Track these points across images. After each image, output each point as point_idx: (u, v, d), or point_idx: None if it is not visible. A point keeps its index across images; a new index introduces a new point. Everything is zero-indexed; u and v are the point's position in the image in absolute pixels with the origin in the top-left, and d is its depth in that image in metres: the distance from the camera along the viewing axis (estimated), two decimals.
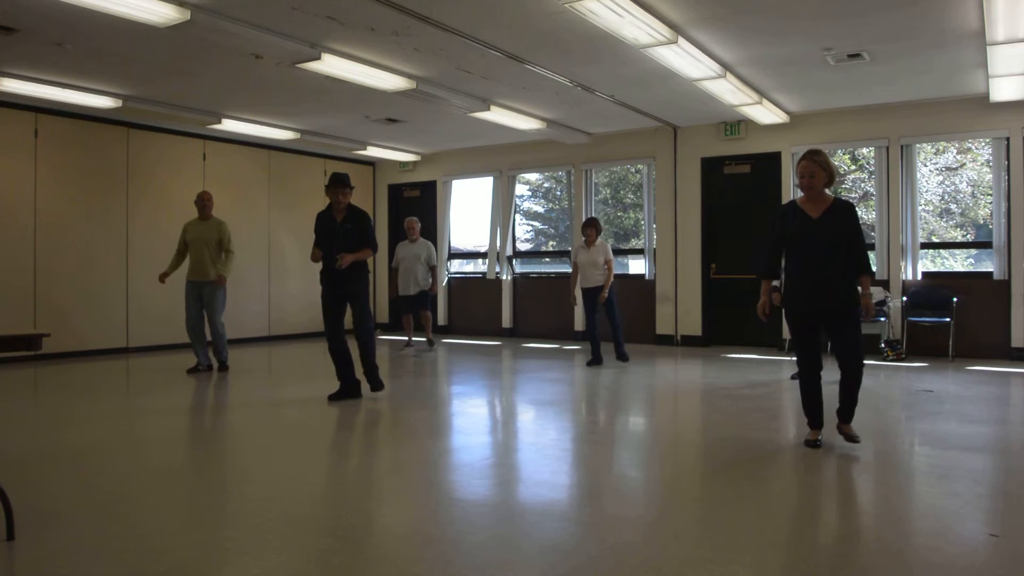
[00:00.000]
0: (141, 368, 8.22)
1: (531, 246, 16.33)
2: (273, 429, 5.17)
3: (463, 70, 7.16)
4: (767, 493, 3.62)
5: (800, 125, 9.14)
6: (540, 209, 17.32)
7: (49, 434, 5.00)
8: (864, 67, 7.12)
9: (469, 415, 5.73)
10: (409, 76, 7.25)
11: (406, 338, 10.00)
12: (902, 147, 8.72)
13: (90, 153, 9.12)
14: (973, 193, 13.51)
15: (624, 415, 5.77)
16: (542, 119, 9.29)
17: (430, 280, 9.54)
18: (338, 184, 5.89)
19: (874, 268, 8.68)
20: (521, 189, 13.86)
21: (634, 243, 14.37)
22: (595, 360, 8.04)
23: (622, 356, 8.04)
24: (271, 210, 11.14)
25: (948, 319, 8.28)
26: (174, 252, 7.75)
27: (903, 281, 8.70)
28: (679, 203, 10.03)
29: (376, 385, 6.06)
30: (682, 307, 9.99)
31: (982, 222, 12.94)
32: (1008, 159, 8.14)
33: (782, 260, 4.51)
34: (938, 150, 13.41)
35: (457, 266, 12.47)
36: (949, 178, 13.69)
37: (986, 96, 7.92)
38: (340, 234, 5.87)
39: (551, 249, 16.54)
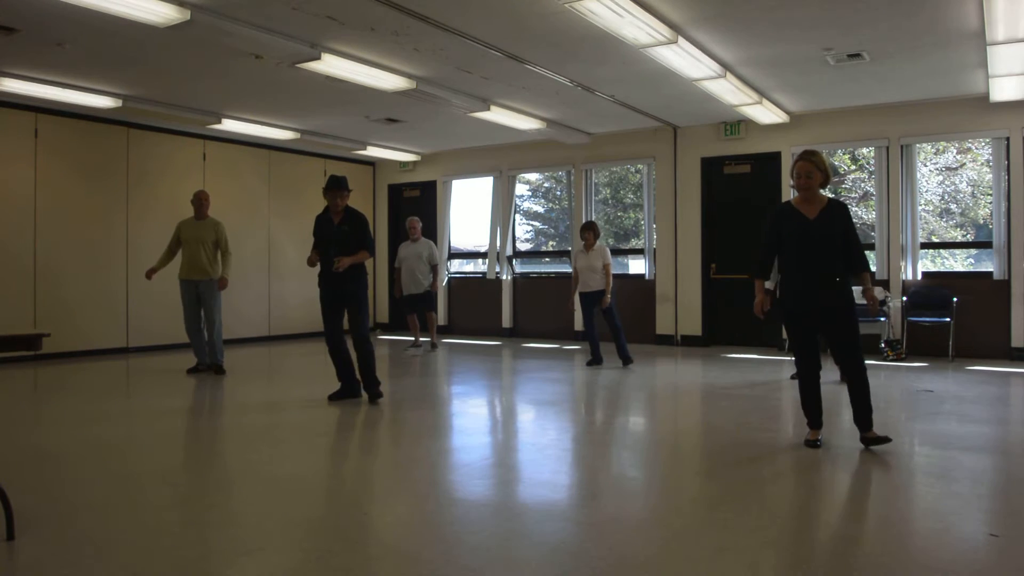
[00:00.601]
0: (141, 368, 8.22)
1: (531, 246, 16.34)
2: (273, 429, 5.16)
3: (463, 70, 7.16)
4: (767, 493, 3.63)
5: (800, 125, 9.14)
6: (540, 209, 17.33)
7: (49, 434, 4.99)
8: (864, 67, 7.12)
9: (469, 415, 5.73)
10: (409, 76, 7.25)
11: (412, 338, 9.99)
12: (902, 147, 8.72)
13: (90, 153, 9.12)
14: (973, 193, 13.52)
15: (624, 415, 5.77)
16: (542, 119, 9.29)
17: (431, 279, 9.52)
18: (335, 187, 5.88)
19: (873, 268, 8.69)
20: (521, 189, 13.87)
21: (634, 243, 14.38)
22: (595, 360, 8.04)
23: (626, 359, 8.02)
24: (271, 210, 11.14)
25: (948, 319, 8.28)
26: (164, 249, 7.72)
27: (903, 281, 8.70)
28: (679, 203, 10.03)
29: (374, 396, 5.95)
30: (682, 307, 9.99)
31: (982, 222, 12.94)
32: (1008, 159, 8.14)
33: (775, 261, 4.51)
34: (938, 150, 13.42)
35: (457, 266, 12.48)
36: (949, 178, 13.70)
37: (986, 96, 7.92)
38: (337, 236, 5.87)
39: (551, 249, 16.54)
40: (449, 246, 12.08)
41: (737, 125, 9.49)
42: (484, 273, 11.75)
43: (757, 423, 5.15)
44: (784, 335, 8.91)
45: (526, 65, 6.94)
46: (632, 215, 15.53)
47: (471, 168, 11.79)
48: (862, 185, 13.83)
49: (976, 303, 8.35)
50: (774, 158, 9.37)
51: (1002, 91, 7.52)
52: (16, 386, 7.11)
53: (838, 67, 7.10)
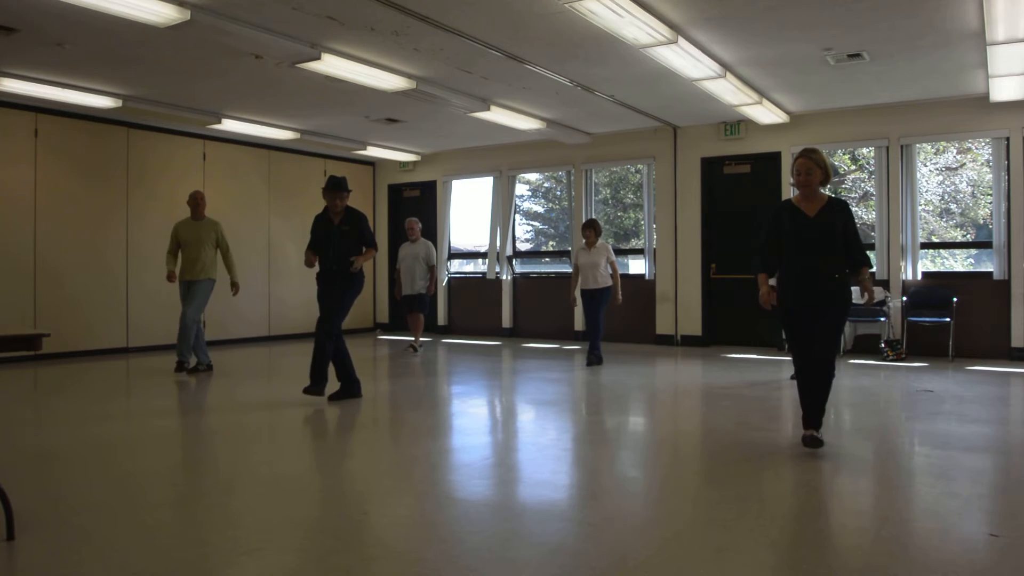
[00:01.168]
0: (141, 368, 8.22)
1: (531, 246, 16.34)
2: (274, 428, 5.17)
3: (463, 70, 7.16)
4: (767, 493, 3.63)
5: (800, 125, 9.14)
6: (540, 209, 17.33)
7: (49, 434, 5.00)
8: (864, 67, 7.12)
9: (469, 415, 5.73)
10: (409, 76, 7.25)
11: (412, 338, 9.90)
12: (902, 147, 8.72)
13: (90, 153, 9.11)
14: (973, 193, 13.52)
15: (624, 415, 5.77)
16: (542, 119, 9.29)
17: (428, 280, 9.36)
18: (335, 187, 5.87)
19: (873, 268, 8.68)
20: (521, 189, 13.87)
21: (634, 243, 14.38)
22: (595, 360, 8.04)
23: (596, 359, 7.96)
24: (271, 210, 11.14)
25: (948, 319, 8.28)
26: (167, 253, 7.67)
27: (903, 281, 8.70)
28: (679, 203, 10.03)
29: (311, 392, 5.84)
30: (682, 307, 9.99)
31: (982, 222, 12.94)
32: (1008, 159, 8.15)
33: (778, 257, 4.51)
34: (938, 150, 13.42)
35: (457, 266, 12.47)
36: (949, 178, 13.70)
37: (986, 96, 7.92)
38: (337, 236, 5.87)
39: (551, 249, 16.54)
40: (449, 246, 12.07)
41: (737, 125, 9.49)
42: (484, 273, 11.75)
43: (757, 423, 5.15)
44: (783, 335, 8.91)
45: (526, 65, 6.94)
46: (632, 215, 15.53)
47: (471, 168, 11.79)
48: (862, 185, 13.83)
49: (976, 303, 8.35)
50: (774, 158, 9.37)
51: (1002, 91, 7.52)
52: (16, 386, 7.11)
53: (838, 67, 7.10)
